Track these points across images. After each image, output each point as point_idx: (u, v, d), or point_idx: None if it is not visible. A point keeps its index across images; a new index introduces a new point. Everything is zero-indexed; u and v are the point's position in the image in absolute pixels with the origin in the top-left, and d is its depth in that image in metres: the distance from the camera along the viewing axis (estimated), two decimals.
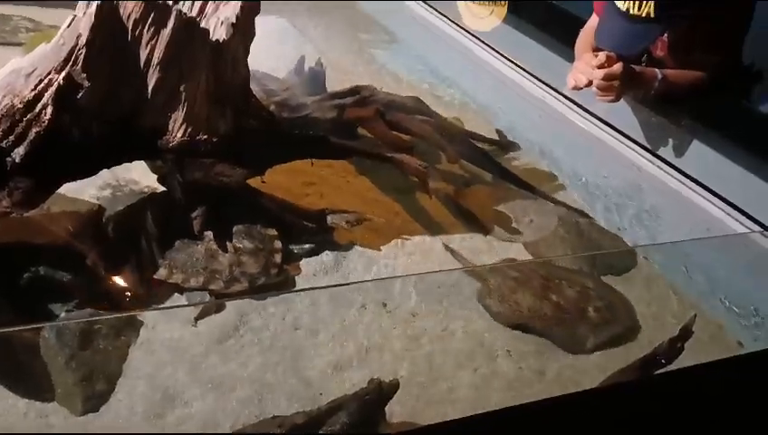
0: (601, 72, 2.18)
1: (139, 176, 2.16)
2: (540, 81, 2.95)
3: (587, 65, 2.23)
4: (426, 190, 2.30)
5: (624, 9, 2.21)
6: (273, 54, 3.04)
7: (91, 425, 1.50)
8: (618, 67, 2.18)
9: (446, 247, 2.21)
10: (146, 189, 2.14)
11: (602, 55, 2.19)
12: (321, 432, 1.45)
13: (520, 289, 1.99)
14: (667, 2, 2.16)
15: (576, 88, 2.28)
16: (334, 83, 2.87)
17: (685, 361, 1.78)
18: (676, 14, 2.18)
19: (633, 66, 2.24)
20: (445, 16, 3.54)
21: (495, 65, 3.20)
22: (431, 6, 3.69)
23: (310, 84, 2.78)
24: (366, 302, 1.93)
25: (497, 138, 2.90)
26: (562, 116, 2.80)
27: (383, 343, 1.82)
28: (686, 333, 1.88)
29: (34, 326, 1.63)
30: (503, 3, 2.91)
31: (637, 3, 2.18)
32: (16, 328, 1.61)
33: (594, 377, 1.80)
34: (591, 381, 1.79)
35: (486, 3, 2.93)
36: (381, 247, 2.19)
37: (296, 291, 1.95)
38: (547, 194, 2.55)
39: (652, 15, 2.16)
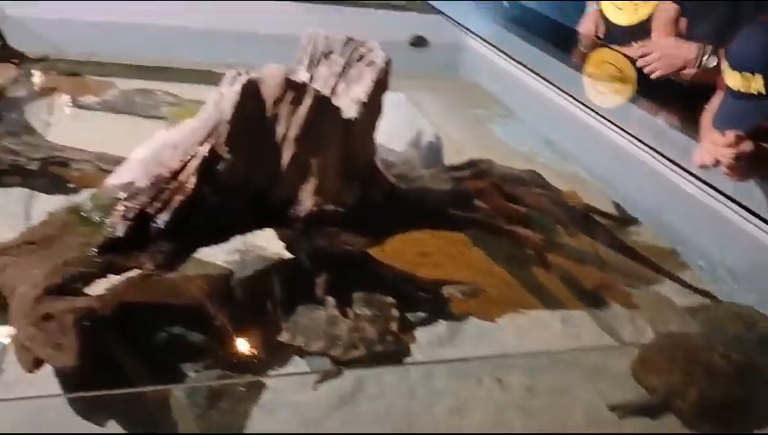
0: (730, 152, 2.13)
1: (266, 242, 2.26)
2: (661, 155, 2.90)
3: (714, 144, 2.19)
4: (543, 264, 2.28)
5: (734, 88, 2.19)
6: (392, 128, 3.14)
7: None
8: (746, 147, 2.12)
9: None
10: (272, 255, 2.24)
11: (730, 135, 2.14)
12: None
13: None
14: None
15: (703, 167, 2.23)
16: (451, 157, 2.92)
17: None
18: None
19: (764, 145, 2.18)
20: (563, 91, 3.56)
21: (613, 139, 3.17)
22: (548, 82, 3.72)
23: (427, 157, 2.85)
24: (481, 376, 1.91)
25: (616, 212, 2.85)
26: (684, 192, 2.72)
27: (499, 418, 1.79)
28: None
29: (166, 387, 1.72)
30: (630, 82, 2.94)
31: (745, 81, 2.15)
32: (150, 387, 1.71)
33: None
34: None
35: (613, 81, 2.96)
36: (496, 320, 2.17)
37: (413, 364, 1.96)
38: (670, 272, 2.47)
39: (763, 93, 2.12)
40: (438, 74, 4.39)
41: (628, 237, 2.68)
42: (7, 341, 1.69)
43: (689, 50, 2.96)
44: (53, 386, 1.66)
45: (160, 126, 3.08)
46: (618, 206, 2.89)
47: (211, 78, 3.72)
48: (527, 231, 2.33)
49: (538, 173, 2.89)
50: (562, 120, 3.51)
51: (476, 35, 4.50)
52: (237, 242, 2.22)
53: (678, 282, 2.43)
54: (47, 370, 1.65)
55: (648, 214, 2.84)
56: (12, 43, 3.23)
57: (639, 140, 3.03)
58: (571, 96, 3.51)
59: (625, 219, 2.81)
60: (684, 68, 2.98)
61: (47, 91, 3.28)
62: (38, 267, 1.64)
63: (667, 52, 3.00)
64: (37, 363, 1.50)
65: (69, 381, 1.66)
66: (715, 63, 2.80)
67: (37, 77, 3.35)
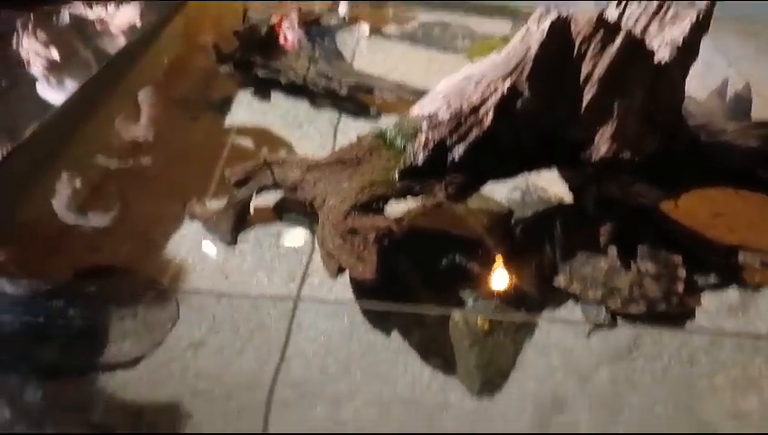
0: None
1: (547, 184, 2.24)
2: None
3: None
4: None
5: None
6: (694, 75, 2.90)
7: (483, 410, 1.61)
8: None
9: None
10: (552, 198, 2.22)
11: None
12: None
13: None
14: None
15: None
16: (760, 111, 2.62)
17: None
18: None
19: None
20: None
21: None
22: None
23: (733, 109, 2.58)
24: None
25: None
26: None
27: None
28: None
29: (447, 310, 1.81)
30: None
31: None
32: (434, 309, 1.81)
33: None
34: None
35: None
36: None
37: (697, 332, 1.84)
38: None
39: None
40: (750, 17, 3.92)
41: None
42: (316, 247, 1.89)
43: None
44: (348, 294, 1.85)
45: (455, 59, 3.17)
46: None
47: (503, 12, 3.72)
48: None
49: None
50: None
51: None
52: (520, 180, 2.23)
53: None
54: (344, 278, 1.84)
55: None
56: None
57: None
58: None
59: None
60: None
61: (355, 21, 3.51)
62: (346, 184, 1.80)
63: None
64: (340, 271, 1.65)
65: (364, 291, 1.82)
66: None
67: (347, 7, 3.60)
